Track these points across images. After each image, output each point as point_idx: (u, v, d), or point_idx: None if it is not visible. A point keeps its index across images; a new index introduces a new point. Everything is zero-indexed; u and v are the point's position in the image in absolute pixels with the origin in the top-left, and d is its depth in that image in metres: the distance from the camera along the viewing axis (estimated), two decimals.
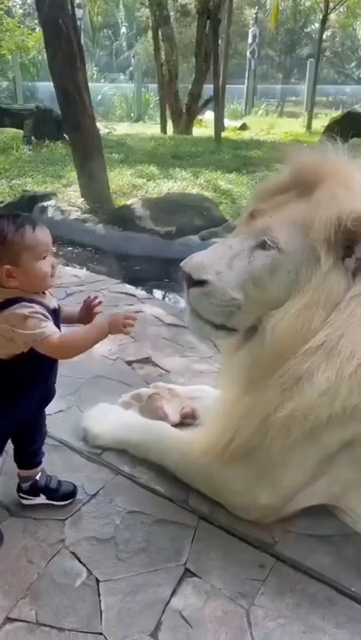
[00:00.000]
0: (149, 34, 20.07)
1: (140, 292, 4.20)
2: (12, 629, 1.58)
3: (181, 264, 1.77)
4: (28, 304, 1.57)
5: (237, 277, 1.69)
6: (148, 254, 5.79)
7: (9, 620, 1.61)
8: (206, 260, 1.73)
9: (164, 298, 5.08)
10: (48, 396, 1.85)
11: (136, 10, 28.53)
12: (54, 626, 1.60)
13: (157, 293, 5.12)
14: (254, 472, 1.83)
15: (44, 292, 1.68)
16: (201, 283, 1.72)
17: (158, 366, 3.02)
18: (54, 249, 1.79)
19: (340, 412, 1.55)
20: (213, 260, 1.73)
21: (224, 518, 1.97)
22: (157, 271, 5.56)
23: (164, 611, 1.65)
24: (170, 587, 1.73)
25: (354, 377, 1.51)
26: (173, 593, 1.71)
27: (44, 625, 1.60)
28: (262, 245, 1.69)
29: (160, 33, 14.43)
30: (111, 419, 2.39)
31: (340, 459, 1.77)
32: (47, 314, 1.60)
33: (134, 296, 4.03)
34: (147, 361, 3.07)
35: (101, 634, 1.58)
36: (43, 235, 1.61)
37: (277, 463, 1.76)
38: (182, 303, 4.99)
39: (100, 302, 1.84)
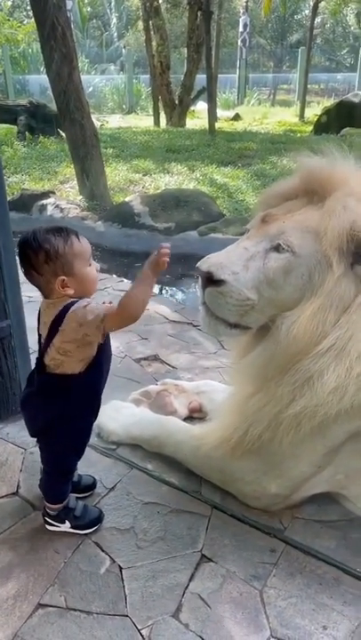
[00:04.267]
0: (140, 24, 20.02)
1: None
2: (44, 614, 1.71)
3: (198, 264, 1.84)
4: (82, 300, 1.65)
5: (253, 278, 1.78)
6: (148, 250, 5.85)
7: (41, 605, 1.74)
8: (223, 261, 1.81)
9: (161, 291, 5.18)
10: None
11: (125, 0, 28.33)
12: (83, 610, 1.73)
13: (158, 289, 5.22)
14: (265, 463, 1.96)
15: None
16: (217, 282, 1.80)
17: (166, 363, 3.14)
18: None
19: (347, 408, 1.66)
20: (230, 261, 1.81)
21: (236, 507, 2.10)
22: None
23: (183, 594, 1.78)
24: (188, 572, 1.85)
25: None
26: (191, 577, 1.84)
27: (74, 609, 1.73)
28: (277, 248, 1.77)
29: (151, 24, 14.41)
30: (124, 415, 2.51)
31: (346, 449, 1.90)
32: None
33: None
34: (154, 358, 3.18)
35: (127, 616, 1.71)
36: (86, 242, 1.70)
37: (287, 455, 1.89)
38: (180, 296, 5.14)
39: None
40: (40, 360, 1.77)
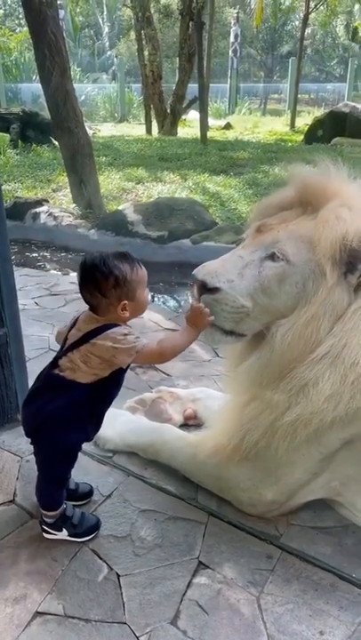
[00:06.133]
0: (132, 34, 20.17)
1: None
2: (42, 622, 1.71)
3: (194, 272, 1.88)
4: (124, 326, 1.75)
5: (248, 286, 1.81)
6: (141, 259, 5.84)
7: (39, 614, 1.74)
8: (219, 269, 1.85)
9: (153, 299, 5.20)
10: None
11: (117, 9, 28.51)
12: (81, 617, 1.73)
13: (150, 297, 5.23)
14: (261, 471, 1.98)
15: None
16: (213, 290, 1.83)
17: (160, 371, 3.16)
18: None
19: (342, 415, 1.69)
20: (225, 269, 1.85)
21: (232, 514, 2.11)
22: (151, 275, 5.68)
23: (181, 600, 1.79)
24: (185, 579, 1.86)
25: (356, 383, 1.66)
26: (189, 584, 1.85)
27: (72, 617, 1.73)
28: (271, 257, 1.81)
29: (143, 33, 14.52)
30: (120, 423, 2.51)
31: (340, 456, 1.92)
32: None
33: None
34: (149, 366, 3.19)
35: (125, 623, 1.71)
36: (144, 270, 1.79)
37: (283, 462, 1.91)
38: (174, 304, 5.17)
39: None
40: (55, 360, 1.82)
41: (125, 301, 1.72)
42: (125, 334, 1.70)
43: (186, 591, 1.82)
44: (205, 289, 1.85)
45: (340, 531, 2.06)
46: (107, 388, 1.83)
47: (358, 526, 2.06)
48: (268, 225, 1.90)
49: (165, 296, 5.40)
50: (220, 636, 1.68)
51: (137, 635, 1.68)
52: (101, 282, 1.70)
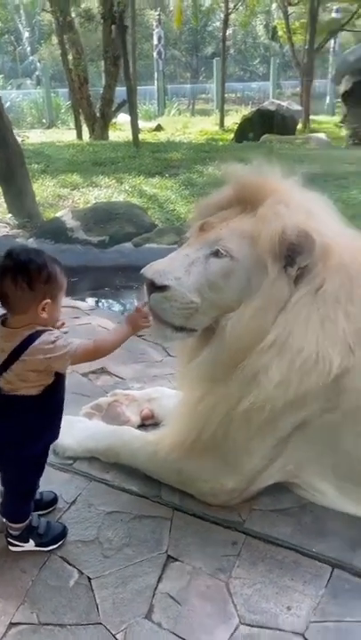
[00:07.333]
0: (53, 38, 19.89)
1: (83, 304, 4.32)
2: (17, 632, 1.71)
3: (142, 271, 1.92)
4: (49, 332, 1.70)
5: (195, 282, 1.88)
6: (84, 264, 5.85)
7: (13, 624, 1.74)
8: (166, 267, 1.91)
9: (97, 304, 5.19)
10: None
11: (36, 14, 28.01)
12: (56, 623, 1.74)
13: (95, 302, 5.23)
14: (220, 461, 2.06)
15: None
16: (162, 288, 1.88)
17: (113, 375, 3.18)
18: None
19: (293, 400, 1.79)
20: (172, 267, 1.91)
21: (195, 506, 2.17)
22: (95, 280, 5.67)
23: (153, 595, 1.83)
24: (156, 573, 1.91)
25: (303, 367, 1.76)
26: (160, 578, 1.89)
27: (47, 624, 1.74)
28: (216, 254, 1.89)
29: (65, 38, 14.38)
30: (78, 429, 2.52)
31: (293, 440, 2.02)
32: None
33: (78, 308, 4.14)
34: (101, 371, 3.21)
35: (100, 624, 1.74)
36: None
37: (240, 451, 1.99)
38: (119, 308, 5.18)
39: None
40: None
41: (48, 300, 1.69)
42: (53, 341, 1.66)
43: (157, 585, 1.87)
44: (154, 287, 1.90)
45: (298, 511, 2.16)
46: (58, 392, 1.84)
47: (315, 505, 2.17)
48: (210, 223, 1.97)
49: (110, 300, 5.40)
50: (193, 624, 1.74)
51: (113, 633, 1.71)
52: (34, 274, 1.65)
